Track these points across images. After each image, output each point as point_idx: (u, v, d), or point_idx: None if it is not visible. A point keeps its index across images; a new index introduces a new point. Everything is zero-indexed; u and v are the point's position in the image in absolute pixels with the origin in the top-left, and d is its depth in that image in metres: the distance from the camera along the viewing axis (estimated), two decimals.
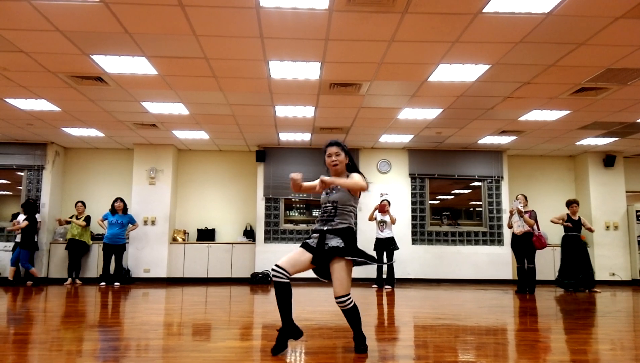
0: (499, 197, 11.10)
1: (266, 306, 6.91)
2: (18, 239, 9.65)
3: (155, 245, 10.58)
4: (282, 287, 3.66)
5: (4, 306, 6.73)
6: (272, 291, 8.64)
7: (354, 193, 3.81)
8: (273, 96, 7.31)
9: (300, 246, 3.83)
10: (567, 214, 9.15)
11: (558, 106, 7.67)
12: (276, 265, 3.69)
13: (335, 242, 3.68)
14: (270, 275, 3.76)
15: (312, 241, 3.79)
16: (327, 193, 3.88)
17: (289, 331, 3.72)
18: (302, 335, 3.80)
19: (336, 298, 3.66)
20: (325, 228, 3.76)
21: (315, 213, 11.56)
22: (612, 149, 10.98)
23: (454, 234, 11.03)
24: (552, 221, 9.27)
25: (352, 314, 3.70)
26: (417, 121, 8.66)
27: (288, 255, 3.78)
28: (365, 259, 3.72)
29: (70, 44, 5.43)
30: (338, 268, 3.64)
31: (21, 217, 9.70)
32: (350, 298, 3.65)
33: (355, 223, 3.72)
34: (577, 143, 10.34)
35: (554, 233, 10.55)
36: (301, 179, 3.89)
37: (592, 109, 7.75)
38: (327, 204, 3.82)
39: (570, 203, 9.20)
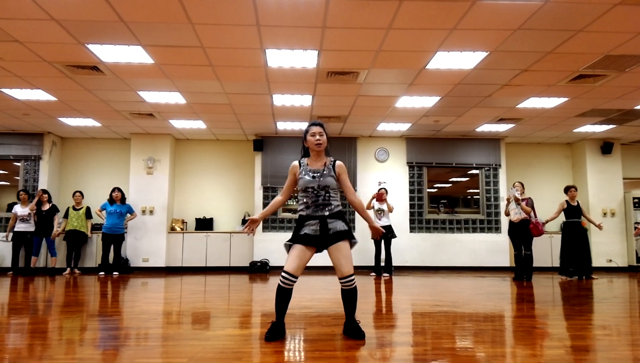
0: (497, 185, 11.12)
1: (265, 294, 6.94)
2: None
3: (154, 234, 10.59)
4: (287, 293, 3.72)
5: (9, 296, 6.74)
6: (270, 281, 8.70)
7: (341, 185, 3.95)
8: (270, 85, 7.28)
9: (297, 243, 3.76)
10: (566, 200, 9.16)
11: (556, 93, 7.66)
12: (286, 272, 3.67)
13: (339, 226, 3.77)
14: (280, 281, 3.72)
15: (311, 229, 3.76)
16: (313, 177, 3.84)
17: (280, 328, 3.79)
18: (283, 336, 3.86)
19: (344, 277, 3.70)
20: (325, 213, 3.78)
21: None
22: (610, 136, 10.99)
23: (451, 222, 11.06)
24: (549, 220, 9.21)
25: (353, 295, 3.75)
26: (415, 109, 8.64)
27: (293, 259, 3.70)
28: (355, 242, 3.90)
29: (66, 33, 5.39)
30: (344, 249, 3.73)
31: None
32: (355, 277, 3.74)
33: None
34: (574, 130, 10.34)
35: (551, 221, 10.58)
36: (256, 222, 4.03)
37: (590, 96, 7.74)
38: (319, 190, 3.81)
39: (568, 188, 9.20)
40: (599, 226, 9.10)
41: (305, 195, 3.85)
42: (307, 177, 3.85)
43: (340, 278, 3.72)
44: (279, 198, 4.05)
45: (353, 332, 3.82)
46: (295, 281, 3.69)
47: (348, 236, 3.79)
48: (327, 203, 3.80)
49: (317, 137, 3.86)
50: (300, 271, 3.70)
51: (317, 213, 3.79)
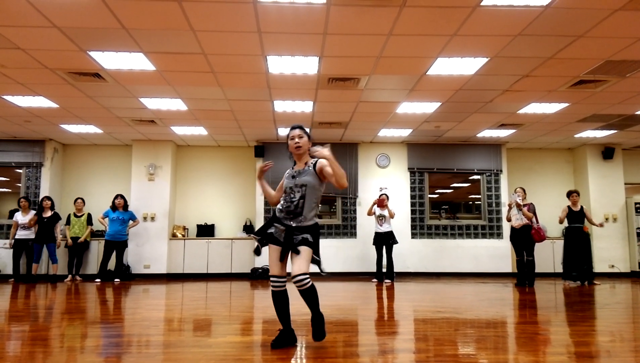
0: (498, 190, 11.10)
1: (266, 301, 6.92)
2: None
3: (155, 241, 10.59)
4: (281, 295, 3.72)
5: (10, 304, 6.73)
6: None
7: (328, 179, 3.70)
8: (271, 91, 7.30)
9: (265, 239, 3.78)
10: (568, 206, 9.13)
11: (557, 99, 7.67)
12: (272, 276, 3.71)
13: (304, 236, 3.66)
14: (270, 286, 3.74)
15: (277, 233, 3.74)
16: (292, 177, 3.79)
17: (287, 336, 3.77)
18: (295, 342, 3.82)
19: (295, 276, 3.57)
20: (292, 224, 3.70)
21: None
22: (611, 142, 10.99)
23: (453, 227, 11.04)
24: (561, 222, 9.21)
25: (310, 294, 3.61)
26: (416, 115, 8.65)
27: (273, 263, 3.72)
28: (318, 260, 3.77)
29: (68, 40, 5.41)
30: (303, 250, 3.63)
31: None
32: (308, 277, 3.59)
33: (319, 215, 3.69)
34: (576, 136, 10.34)
35: (553, 226, 10.56)
36: (266, 169, 3.88)
37: (591, 101, 7.75)
38: (296, 192, 3.71)
39: (570, 193, 9.16)
40: (600, 225, 9.09)
41: (283, 198, 3.80)
42: (287, 179, 3.83)
43: (292, 278, 3.62)
44: (276, 194, 3.97)
45: (313, 330, 3.70)
46: (284, 281, 3.71)
47: (311, 246, 3.67)
48: (299, 212, 3.68)
49: (296, 140, 3.78)
50: (284, 270, 3.71)
51: (285, 221, 3.72)
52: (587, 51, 5.71)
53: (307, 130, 3.88)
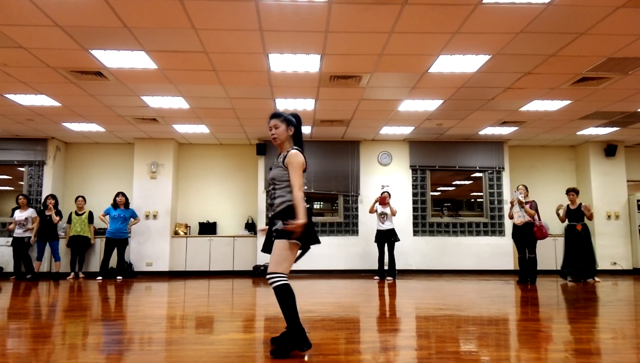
0: (500, 188, 11.10)
1: (268, 298, 6.93)
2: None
3: (157, 238, 10.61)
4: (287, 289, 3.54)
5: (11, 301, 6.76)
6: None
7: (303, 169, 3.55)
8: (273, 89, 7.30)
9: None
10: (567, 204, 9.16)
11: (559, 96, 7.66)
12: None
13: (276, 227, 3.47)
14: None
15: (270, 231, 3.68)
16: (270, 168, 3.69)
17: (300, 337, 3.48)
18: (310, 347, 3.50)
19: (267, 274, 3.48)
20: (270, 214, 3.64)
21: (316, 205, 11.58)
22: (613, 139, 10.97)
23: (455, 225, 11.04)
24: (562, 221, 9.28)
25: (279, 295, 3.37)
26: (418, 112, 8.64)
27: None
28: (305, 240, 3.46)
29: (70, 39, 5.42)
30: (276, 247, 3.44)
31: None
32: (278, 276, 3.38)
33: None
34: (578, 133, 10.32)
35: (555, 223, 10.55)
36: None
37: (593, 98, 7.73)
38: (270, 185, 3.64)
39: (567, 192, 9.22)
40: (589, 217, 9.10)
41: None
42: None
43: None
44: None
45: (277, 346, 3.45)
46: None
47: (282, 235, 3.41)
48: (272, 202, 3.57)
49: (272, 131, 3.62)
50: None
51: (269, 215, 3.65)
52: (589, 48, 5.70)
53: (287, 116, 3.67)
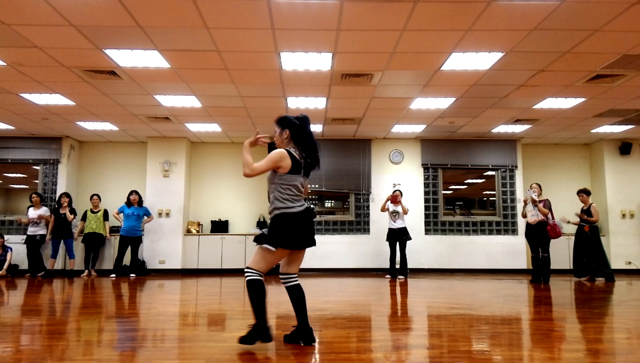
0: (513, 186, 11.02)
1: (280, 296, 6.95)
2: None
3: (170, 236, 10.69)
4: (291, 291, 3.72)
5: (26, 298, 6.85)
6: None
7: (274, 167, 3.63)
8: (285, 88, 7.31)
9: None
10: (582, 207, 9.17)
11: (573, 94, 7.58)
12: (279, 273, 3.80)
13: (264, 233, 3.72)
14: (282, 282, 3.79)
15: None
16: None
17: (304, 330, 3.71)
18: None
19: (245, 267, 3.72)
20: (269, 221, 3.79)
21: (328, 203, 11.58)
22: (628, 137, 10.83)
23: (467, 224, 10.98)
24: (581, 219, 9.19)
25: (249, 288, 3.60)
26: (430, 110, 8.61)
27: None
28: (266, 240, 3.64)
29: (84, 38, 5.47)
30: (258, 248, 3.71)
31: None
32: (251, 272, 3.62)
33: (286, 199, 3.57)
34: (592, 131, 10.21)
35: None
36: (260, 139, 3.89)
37: (607, 96, 7.64)
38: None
39: (578, 193, 9.20)
40: (588, 219, 8.98)
41: None
42: None
43: None
44: None
45: (248, 333, 3.63)
46: (286, 277, 3.76)
47: (257, 241, 3.69)
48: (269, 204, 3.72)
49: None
50: (285, 267, 3.80)
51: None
52: (603, 45, 5.63)
53: (282, 119, 3.82)
